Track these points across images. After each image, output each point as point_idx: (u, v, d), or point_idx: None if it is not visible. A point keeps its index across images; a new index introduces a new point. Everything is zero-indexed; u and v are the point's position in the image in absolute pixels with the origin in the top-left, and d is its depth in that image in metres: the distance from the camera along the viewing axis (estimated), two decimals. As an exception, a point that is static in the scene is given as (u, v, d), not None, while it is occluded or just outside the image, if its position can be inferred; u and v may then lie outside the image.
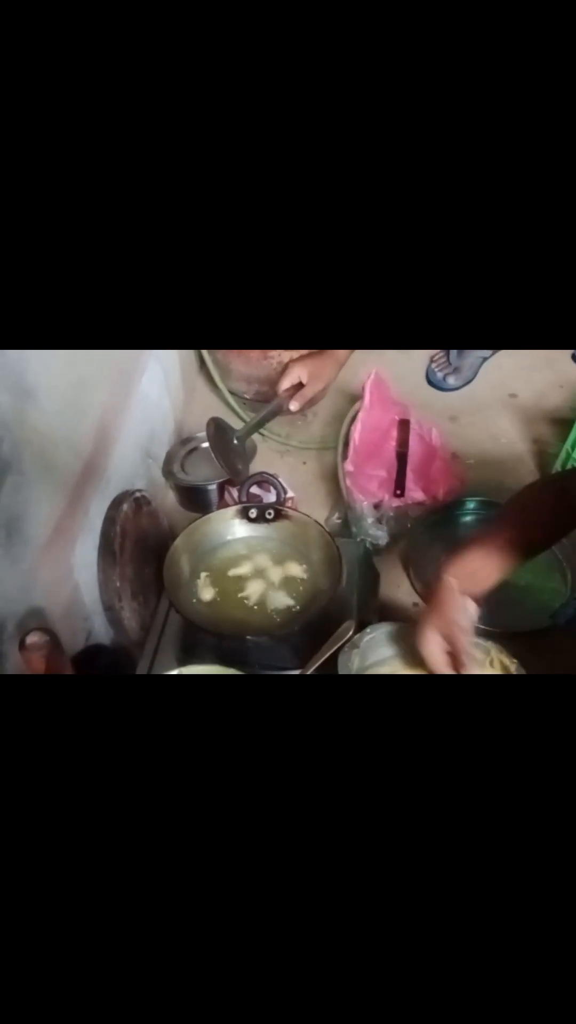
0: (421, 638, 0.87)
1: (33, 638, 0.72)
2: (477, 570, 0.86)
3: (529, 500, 0.90)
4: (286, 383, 1.16)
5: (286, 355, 1.43)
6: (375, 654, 0.97)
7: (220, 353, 1.58)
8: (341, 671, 0.90)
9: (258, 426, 1.22)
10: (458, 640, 0.85)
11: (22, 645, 0.73)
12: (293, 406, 1.17)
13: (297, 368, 1.16)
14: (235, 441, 1.22)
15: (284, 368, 1.22)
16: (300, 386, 1.23)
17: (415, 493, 1.38)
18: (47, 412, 0.93)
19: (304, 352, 1.27)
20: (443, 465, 1.44)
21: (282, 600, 1.07)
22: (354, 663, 0.92)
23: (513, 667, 0.91)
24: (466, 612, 0.86)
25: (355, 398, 1.53)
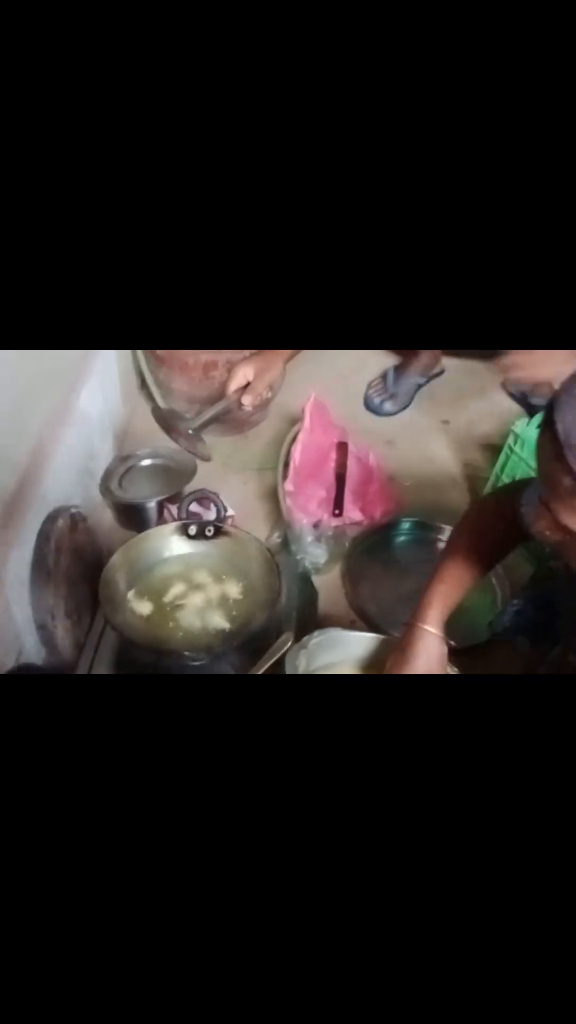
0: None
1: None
2: (450, 605, 0.89)
3: (476, 523, 0.94)
4: (234, 384, 1.17)
5: (228, 375, 1.44)
6: (322, 658, 0.98)
7: (162, 372, 1.59)
8: (288, 671, 0.90)
9: (212, 420, 1.22)
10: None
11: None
12: (246, 400, 1.16)
13: (243, 368, 1.16)
14: (191, 431, 1.21)
15: (230, 371, 1.23)
16: (247, 386, 1.23)
17: (353, 513, 1.41)
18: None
19: (248, 353, 1.28)
20: (380, 487, 1.47)
21: (220, 618, 1.07)
22: (301, 663, 0.92)
23: (451, 671, 0.93)
24: (442, 659, 0.89)
25: (295, 420, 1.56)
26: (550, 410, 0.59)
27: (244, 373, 1.15)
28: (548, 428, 0.59)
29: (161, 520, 1.37)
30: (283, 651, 0.92)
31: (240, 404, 1.17)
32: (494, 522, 0.89)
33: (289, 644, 0.93)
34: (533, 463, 1.30)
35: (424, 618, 0.88)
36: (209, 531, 1.17)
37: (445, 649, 0.90)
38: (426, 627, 0.88)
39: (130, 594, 1.09)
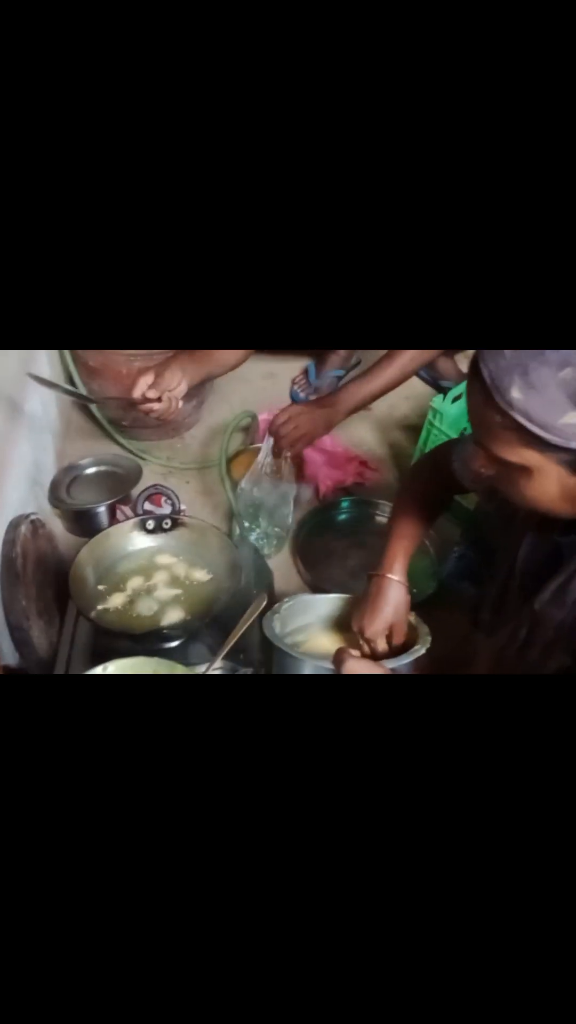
0: (348, 662, 0.87)
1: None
2: (408, 556, 1.01)
3: (417, 482, 1.06)
4: (137, 391, 1.14)
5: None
6: (295, 621, 1.07)
7: (96, 383, 1.63)
8: (267, 633, 0.99)
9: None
10: (397, 633, 0.99)
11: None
12: (151, 394, 1.13)
13: (145, 376, 1.14)
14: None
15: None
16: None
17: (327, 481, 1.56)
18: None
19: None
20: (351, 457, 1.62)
21: (189, 601, 1.14)
22: (277, 627, 1.01)
23: (412, 618, 1.03)
24: (407, 605, 1.00)
25: (226, 422, 1.65)
26: (475, 362, 0.68)
27: (145, 379, 1.15)
28: (475, 376, 0.68)
29: (114, 522, 1.42)
30: (259, 610, 1.01)
31: (141, 404, 1.15)
32: (432, 477, 1.01)
33: (264, 603, 1.02)
34: (452, 434, 1.44)
35: (390, 568, 0.99)
36: (166, 524, 1.23)
37: (408, 597, 1.00)
38: (392, 576, 0.99)
39: (100, 588, 1.14)
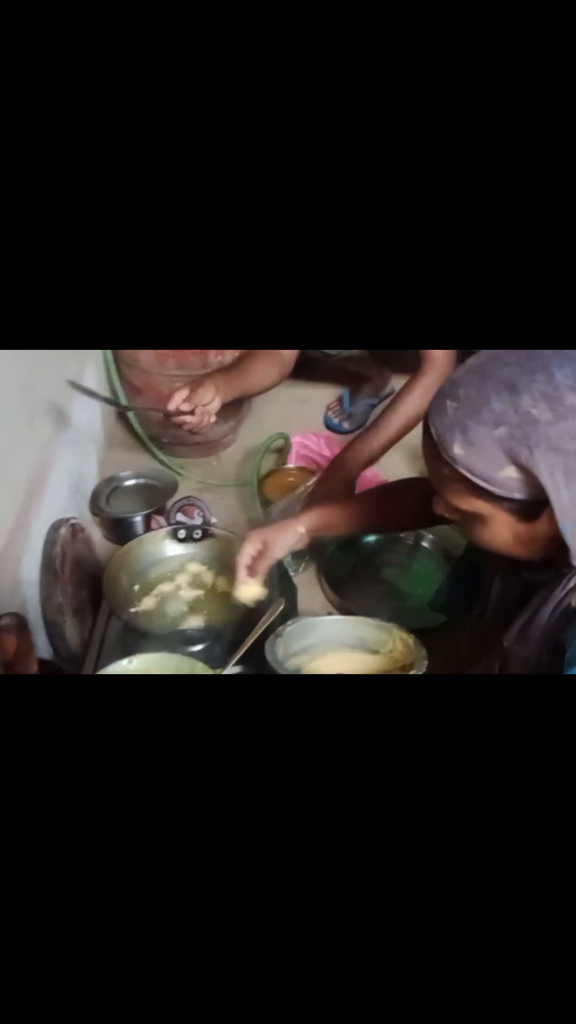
0: (248, 538, 1.08)
1: (5, 620, 0.81)
2: (326, 527, 1.10)
3: (398, 490, 1.12)
4: (172, 404, 1.20)
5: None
6: (297, 643, 1.11)
7: (139, 400, 1.72)
8: (268, 657, 1.03)
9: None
10: (269, 556, 1.09)
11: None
12: (185, 407, 1.18)
13: (179, 392, 1.20)
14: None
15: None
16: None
17: None
18: None
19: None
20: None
21: (211, 607, 1.19)
22: (280, 650, 1.05)
23: (411, 640, 1.06)
24: (296, 537, 1.09)
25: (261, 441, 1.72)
26: (426, 418, 0.73)
27: (180, 394, 1.20)
28: (426, 432, 0.73)
29: (149, 531, 1.49)
30: (275, 615, 1.05)
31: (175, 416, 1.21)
32: (407, 491, 1.07)
33: (281, 608, 1.06)
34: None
35: (304, 517, 1.09)
36: (197, 534, 1.29)
37: (300, 544, 1.10)
38: (299, 526, 1.08)
39: (133, 591, 1.20)
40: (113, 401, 1.66)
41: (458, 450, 0.68)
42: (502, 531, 0.74)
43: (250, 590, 1.10)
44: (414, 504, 1.06)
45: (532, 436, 0.65)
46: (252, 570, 1.08)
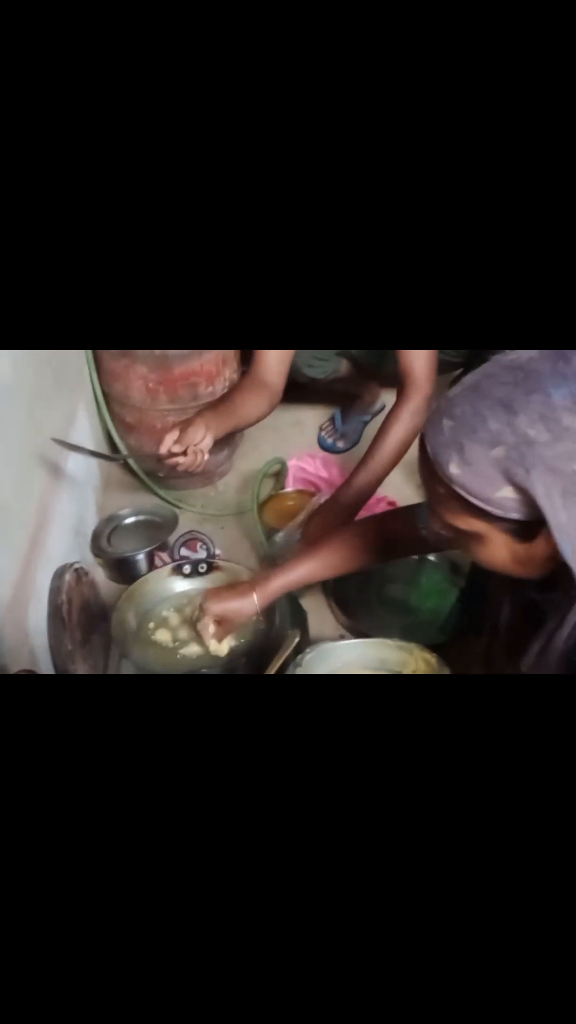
0: (205, 610, 1.13)
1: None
2: (280, 590, 1.12)
3: (373, 519, 1.14)
4: (163, 447, 1.21)
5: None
6: (317, 671, 1.09)
7: (132, 438, 1.72)
8: None
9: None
10: (230, 626, 1.14)
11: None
12: (176, 449, 1.20)
13: (171, 432, 1.21)
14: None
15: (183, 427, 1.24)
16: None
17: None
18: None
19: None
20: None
21: (224, 642, 1.18)
22: None
23: (434, 660, 1.06)
24: (252, 608, 1.12)
25: (258, 468, 1.72)
26: (422, 437, 0.73)
27: (171, 436, 1.21)
28: (422, 451, 0.72)
29: (153, 568, 1.48)
30: (291, 647, 1.04)
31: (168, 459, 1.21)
32: (392, 521, 1.08)
33: (297, 640, 1.05)
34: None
35: (262, 587, 1.11)
36: (202, 568, 1.29)
37: (252, 614, 1.13)
38: (254, 594, 1.10)
39: (141, 631, 1.19)
40: (99, 454, 1.60)
41: (454, 469, 0.68)
42: (500, 551, 0.73)
43: (223, 647, 1.17)
44: (390, 532, 1.07)
45: (529, 457, 0.65)
46: (219, 637, 1.15)
